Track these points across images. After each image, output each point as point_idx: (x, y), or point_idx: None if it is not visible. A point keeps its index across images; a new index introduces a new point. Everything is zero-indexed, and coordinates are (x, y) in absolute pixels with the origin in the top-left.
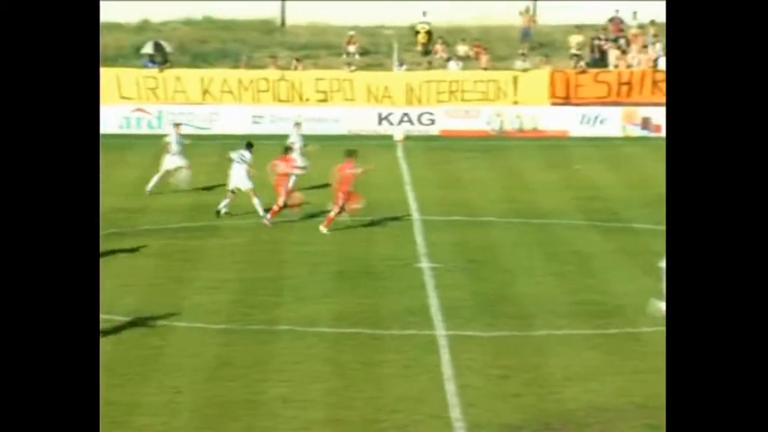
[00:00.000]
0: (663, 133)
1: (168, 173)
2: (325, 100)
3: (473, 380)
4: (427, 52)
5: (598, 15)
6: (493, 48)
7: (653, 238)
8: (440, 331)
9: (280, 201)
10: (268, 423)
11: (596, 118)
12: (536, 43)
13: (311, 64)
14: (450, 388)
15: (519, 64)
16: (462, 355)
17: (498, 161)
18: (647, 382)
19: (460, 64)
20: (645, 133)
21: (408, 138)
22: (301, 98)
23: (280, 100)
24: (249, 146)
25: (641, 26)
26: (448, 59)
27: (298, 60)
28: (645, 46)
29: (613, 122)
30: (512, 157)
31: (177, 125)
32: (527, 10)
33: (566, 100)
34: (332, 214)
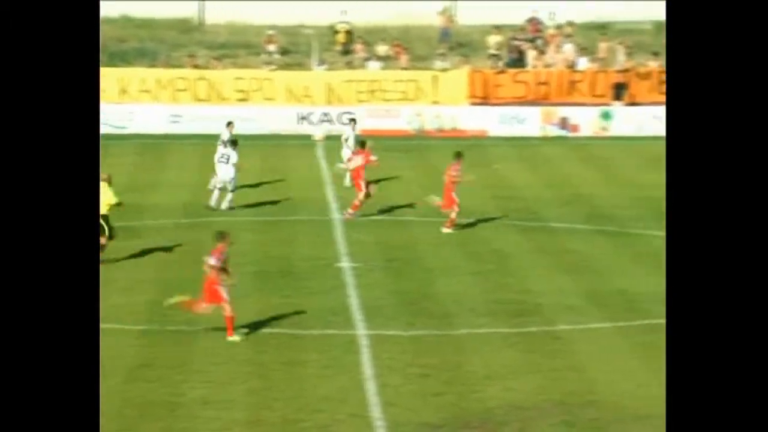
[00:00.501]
0: (581, 133)
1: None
2: (244, 100)
3: (393, 379)
4: (347, 52)
5: (516, 15)
6: (412, 48)
7: (571, 237)
8: (361, 331)
9: (361, 195)
10: (187, 424)
11: (515, 118)
12: (455, 43)
13: (230, 64)
14: (370, 387)
15: (438, 64)
16: (382, 354)
17: (418, 161)
18: (565, 379)
19: (380, 63)
20: (563, 132)
21: (328, 137)
22: (220, 97)
23: (198, 100)
24: (234, 144)
25: (558, 27)
26: (368, 59)
27: (217, 59)
28: (561, 46)
29: (532, 122)
30: (432, 157)
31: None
32: (446, 10)
33: (485, 100)
34: (453, 215)
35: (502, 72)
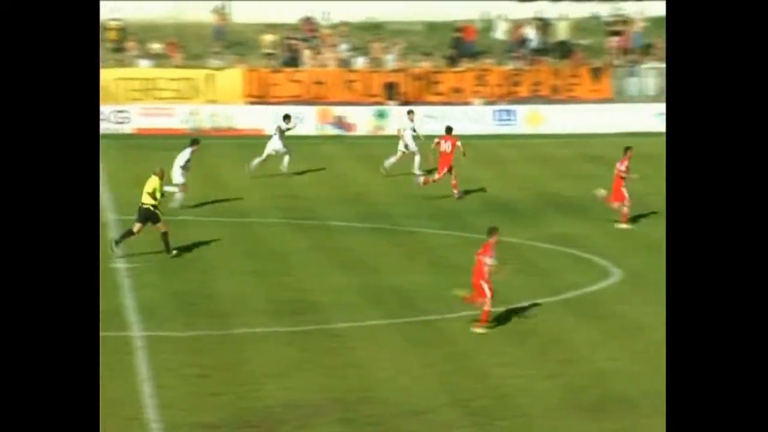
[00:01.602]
0: (357, 132)
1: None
2: None
3: (170, 381)
4: (119, 49)
5: (290, 15)
6: (187, 46)
7: (347, 235)
8: (136, 333)
9: (439, 177)
10: None
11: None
12: (230, 41)
13: None
14: (146, 389)
15: (213, 62)
16: (159, 355)
17: (195, 160)
18: (343, 376)
19: (153, 61)
20: (339, 131)
21: (102, 137)
22: None
23: None
24: (194, 142)
25: (333, 26)
26: (141, 56)
27: None
28: (335, 46)
29: (308, 121)
30: (209, 156)
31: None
32: (219, 9)
33: (261, 99)
34: (625, 209)
35: (277, 71)
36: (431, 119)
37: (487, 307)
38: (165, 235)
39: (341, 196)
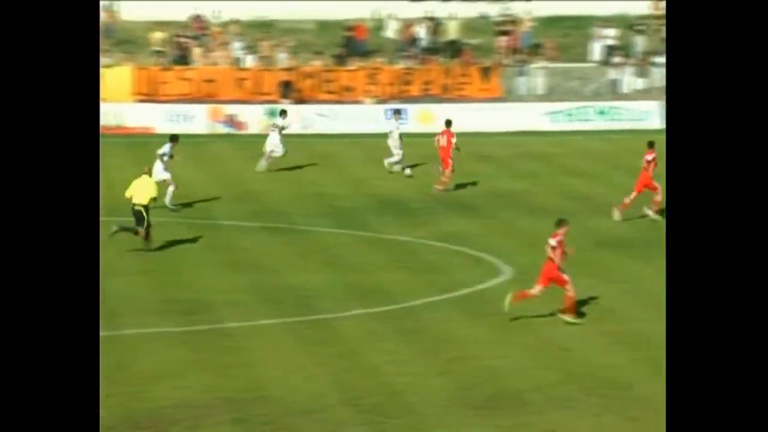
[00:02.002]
0: (248, 131)
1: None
2: None
3: None
4: None
5: (179, 12)
6: None
7: (239, 234)
8: None
9: (448, 172)
10: None
11: (182, 115)
12: (118, 39)
13: None
14: None
15: (102, 60)
16: None
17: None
18: (235, 376)
19: None
20: (230, 130)
21: None
22: None
23: None
24: (172, 139)
25: (223, 24)
26: None
27: None
28: (226, 44)
29: (199, 119)
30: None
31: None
32: (108, 6)
33: (151, 97)
34: (658, 197)
35: (167, 69)
36: (323, 118)
37: (571, 293)
38: (137, 234)
39: (233, 194)
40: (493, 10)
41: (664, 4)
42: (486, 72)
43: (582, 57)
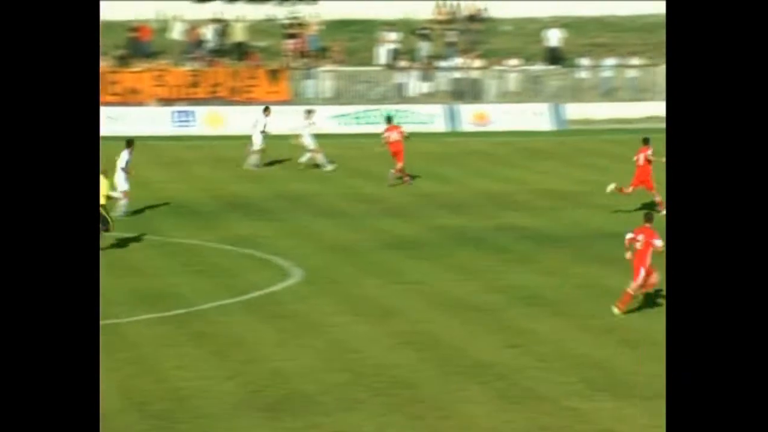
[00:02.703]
0: None
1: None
2: None
3: None
4: None
5: None
6: None
7: None
8: None
9: (399, 165)
10: None
11: None
12: None
13: None
14: None
15: None
16: None
17: None
18: None
19: None
20: None
21: None
22: None
23: None
24: (129, 144)
25: None
26: None
27: None
28: None
29: None
30: None
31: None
32: None
33: None
34: (658, 198)
35: None
36: (110, 120)
37: (630, 291)
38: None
39: None
40: (281, 13)
41: (447, 8)
42: (274, 74)
43: (369, 61)
